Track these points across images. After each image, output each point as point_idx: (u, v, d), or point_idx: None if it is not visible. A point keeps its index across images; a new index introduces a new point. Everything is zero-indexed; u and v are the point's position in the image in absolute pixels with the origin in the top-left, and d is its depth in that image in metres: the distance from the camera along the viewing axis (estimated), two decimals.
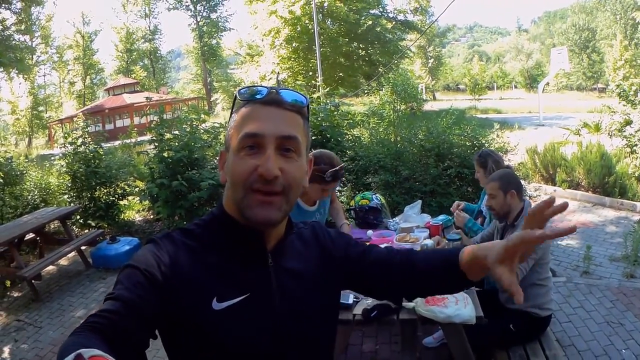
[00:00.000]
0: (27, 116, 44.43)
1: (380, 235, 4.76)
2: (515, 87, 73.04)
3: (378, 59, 30.39)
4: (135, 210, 10.68)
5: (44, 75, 53.20)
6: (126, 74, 52.23)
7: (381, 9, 32.23)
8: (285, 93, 1.38)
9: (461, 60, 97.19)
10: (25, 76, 40.36)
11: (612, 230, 8.39)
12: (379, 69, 25.78)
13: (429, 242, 3.79)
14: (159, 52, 56.61)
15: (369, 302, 3.43)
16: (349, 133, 9.40)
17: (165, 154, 8.35)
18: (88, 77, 52.70)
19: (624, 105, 11.50)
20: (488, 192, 3.94)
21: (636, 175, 10.12)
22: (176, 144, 8.53)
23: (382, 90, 14.00)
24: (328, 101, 10.40)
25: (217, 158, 1.80)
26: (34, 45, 45.52)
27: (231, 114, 1.44)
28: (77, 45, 51.56)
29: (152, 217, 10.23)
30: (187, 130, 8.81)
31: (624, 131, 10.89)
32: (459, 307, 3.18)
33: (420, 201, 5.61)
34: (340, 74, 30.75)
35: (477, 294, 3.49)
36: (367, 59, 31.13)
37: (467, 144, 8.18)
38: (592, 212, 9.53)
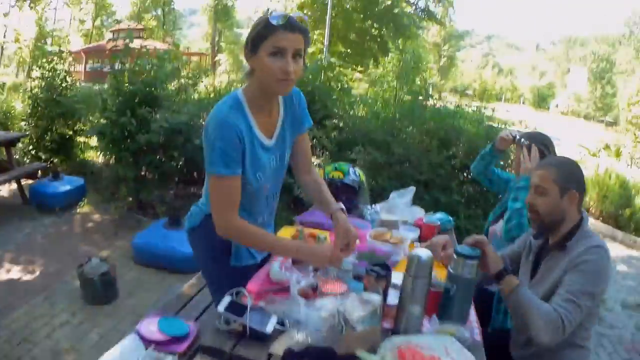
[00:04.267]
0: (30, 47, 42.94)
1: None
2: (523, 103, 72.29)
3: (391, 43, 28.95)
4: (97, 151, 9.42)
5: (55, 9, 51.38)
6: (137, 20, 51.11)
7: None
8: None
9: (474, 67, 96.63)
10: (32, 4, 39.02)
11: (623, 270, 7.77)
12: (390, 52, 24.29)
13: (422, 252, 2.23)
14: (173, 2, 54.50)
15: (300, 337, 2.03)
16: (339, 99, 7.88)
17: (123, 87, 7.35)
18: (99, 17, 51.73)
19: None
20: (535, 182, 2.62)
21: None
22: (136, 74, 7.55)
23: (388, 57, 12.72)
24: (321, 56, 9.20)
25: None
26: None
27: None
28: None
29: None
30: (153, 62, 7.74)
31: None
32: None
33: (413, 188, 4.12)
34: (349, 51, 29.37)
35: (483, 337, 2.34)
36: (379, 39, 29.54)
37: (481, 132, 6.78)
38: None
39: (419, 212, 3.84)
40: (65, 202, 7.52)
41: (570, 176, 2.59)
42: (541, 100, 65.03)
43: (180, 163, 7.54)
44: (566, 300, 2.25)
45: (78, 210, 7.64)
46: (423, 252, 2.18)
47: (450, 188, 6.35)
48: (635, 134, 11.50)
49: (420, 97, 7.66)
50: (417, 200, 4.20)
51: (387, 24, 28.52)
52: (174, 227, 5.82)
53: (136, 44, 7.80)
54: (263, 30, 2.13)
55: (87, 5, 50.61)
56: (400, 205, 3.85)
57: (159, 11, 53.70)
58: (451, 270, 2.33)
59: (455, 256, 2.32)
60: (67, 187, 7.66)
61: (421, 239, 3.46)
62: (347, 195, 3.82)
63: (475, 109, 7.51)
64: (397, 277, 2.40)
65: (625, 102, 43.94)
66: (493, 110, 7.40)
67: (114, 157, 7.45)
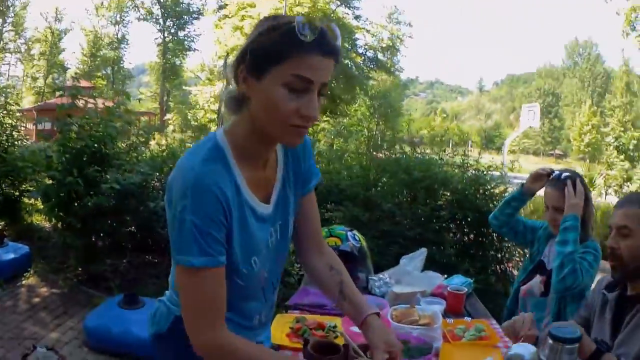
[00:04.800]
0: None
1: None
2: (471, 146, 73.42)
3: (339, 95, 28.80)
4: (43, 215, 8.89)
5: (9, 64, 51.89)
6: (87, 79, 50.90)
7: (351, 43, 30.75)
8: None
9: (419, 115, 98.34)
10: None
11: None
12: (359, 98, 24.14)
13: (523, 349, 1.70)
14: (122, 62, 55.66)
15: None
16: None
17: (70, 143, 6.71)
18: (50, 75, 51.54)
19: (621, 161, 12.02)
20: (618, 223, 2.25)
21: None
22: (85, 129, 6.91)
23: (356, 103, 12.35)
24: None
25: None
26: (3, 30, 45.27)
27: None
28: (46, 40, 50.79)
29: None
30: (101, 117, 7.14)
31: (623, 188, 10.94)
32: None
33: (424, 250, 3.57)
34: None
35: None
36: (328, 92, 29.49)
37: (467, 175, 6.43)
38: None
39: (436, 278, 3.28)
40: (10, 272, 6.80)
41: None
42: (489, 142, 66.19)
43: (133, 228, 6.99)
44: None
45: (23, 281, 6.90)
46: (524, 349, 1.73)
47: (442, 242, 5.84)
48: (618, 151, 11.78)
49: (398, 147, 7.20)
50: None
51: (336, 76, 28.42)
52: (130, 306, 5.13)
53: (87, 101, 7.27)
54: (282, 44, 1.41)
55: (40, 61, 50.88)
56: (412, 272, 3.29)
57: (109, 70, 53.88)
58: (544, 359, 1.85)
59: (550, 341, 1.80)
60: (12, 255, 6.93)
61: (448, 312, 2.92)
62: (347, 265, 3.20)
63: (459, 155, 7.08)
64: None
65: (576, 133, 45.30)
66: (479, 154, 6.93)
67: (60, 222, 6.87)
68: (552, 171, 3.18)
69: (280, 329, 2.47)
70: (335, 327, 2.42)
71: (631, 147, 12.47)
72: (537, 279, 3.04)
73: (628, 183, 11.30)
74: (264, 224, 1.69)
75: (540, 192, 3.32)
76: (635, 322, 2.12)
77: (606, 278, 2.44)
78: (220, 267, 1.52)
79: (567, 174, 3.04)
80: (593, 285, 2.59)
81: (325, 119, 9.48)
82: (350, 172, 6.99)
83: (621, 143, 12.59)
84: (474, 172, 6.46)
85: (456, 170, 6.62)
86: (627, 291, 2.27)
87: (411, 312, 2.57)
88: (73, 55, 55.64)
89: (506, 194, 6.10)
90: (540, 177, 3.21)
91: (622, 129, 13.50)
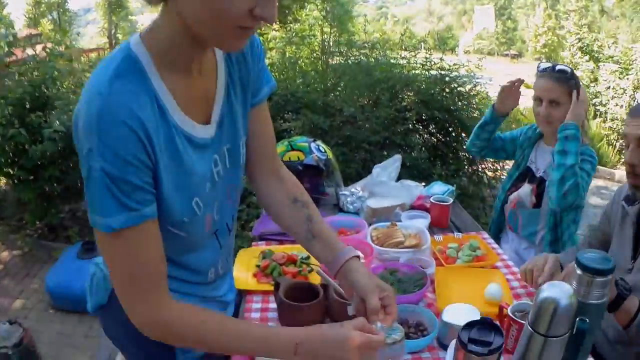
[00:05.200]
0: None
1: (333, 227, 2.28)
2: (424, 48, 74.15)
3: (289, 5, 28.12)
4: None
5: None
6: (34, 26, 50.21)
7: None
8: None
9: (369, 21, 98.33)
10: None
11: (595, 202, 7.68)
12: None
13: (557, 291, 1.30)
14: (67, 3, 52.82)
15: None
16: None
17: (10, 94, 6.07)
18: None
19: (586, 62, 11.64)
20: (638, 132, 1.86)
21: (610, 138, 9.81)
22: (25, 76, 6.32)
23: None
24: None
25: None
26: None
27: None
28: None
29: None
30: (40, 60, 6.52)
31: (590, 88, 10.68)
32: None
33: (399, 157, 3.19)
34: None
35: None
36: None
37: (433, 73, 6.03)
38: None
39: (414, 188, 2.93)
40: None
41: None
42: (442, 44, 66.77)
43: None
44: None
45: None
46: (559, 292, 1.33)
47: (410, 145, 5.50)
48: (582, 52, 11.90)
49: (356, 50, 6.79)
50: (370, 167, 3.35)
51: None
52: (89, 255, 4.69)
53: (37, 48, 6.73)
54: None
55: None
56: (387, 182, 2.90)
57: (54, 14, 52.22)
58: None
59: (579, 271, 1.45)
60: None
61: (432, 227, 2.60)
62: (313, 181, 2.90)
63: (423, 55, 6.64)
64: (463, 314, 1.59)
65: (532, 34, 45.98)
66: (443, 54, 6.58)
67: (10, 179, 6.38)
68: (522, 80, 2.91)
69: (244, 268, 2.10)
70: (308, 258, 2.06)
71: (595, 47, 12.24)
72: (527, 187, 2.73)
73: (594, 84, 11.05)
74: (205, 151, 1.31)
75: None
76: None
77: (625, 188, 2.15)
78: (148, 222, 1.15)
79: (561, 66, 2.68)
80: (612, 196, 2.29)
81: (276, 26, 8.96)
82: (306, 79, 6.55)
83: (585, 44, 12.36)
84: (437, 71, 6.10)
85: (419, 71, 6.26)
86: None
87: (394, 232, 2.24)
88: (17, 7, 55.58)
89: (473, 92, 5.81)
90: (510, 93, 2.88)
91: (579, 31, 13.35)
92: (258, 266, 2.08)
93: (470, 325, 1.39)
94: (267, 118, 1.56)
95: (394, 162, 3.09)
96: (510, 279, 2.10)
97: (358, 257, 1.48)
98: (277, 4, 1.13)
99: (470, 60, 6.80)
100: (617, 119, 10.10)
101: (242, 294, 1.94)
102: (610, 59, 11.49)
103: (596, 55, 11.87)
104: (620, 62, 11.13)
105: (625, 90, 10.54)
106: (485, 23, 22.86)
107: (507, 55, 57.13)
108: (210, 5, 1.06)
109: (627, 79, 10.66)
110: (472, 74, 6.25)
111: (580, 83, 2.67)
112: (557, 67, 2.67)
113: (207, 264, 1.49)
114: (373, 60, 6.37)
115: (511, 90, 2.86)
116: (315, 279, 1.86)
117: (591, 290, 1.45)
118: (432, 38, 72.95)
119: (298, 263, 2.08)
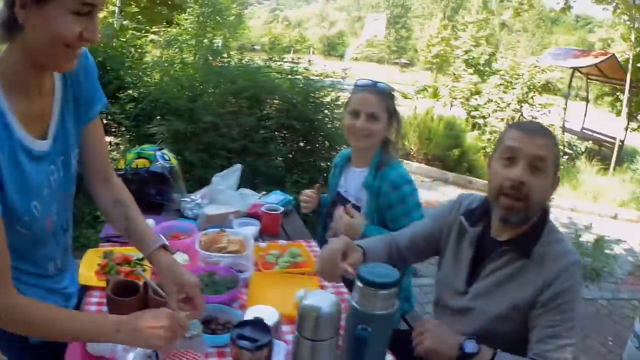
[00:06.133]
0: None
1: (168, 231, 2.55)
2: (313, 53, 74.14)
3: (190, 7, 27.76)
4: None
5: None
6: None
7: None
8: None
9: (261, 23, 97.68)
10: None
11: None
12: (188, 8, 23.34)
13: (321, 299, 1.48)
14: None
15: None
16: (135, 66, 6.97)
17: None
18: None
19: (470, 74, 12.24)
20: (534, 153, 1.77)
21: (487, 150, 9.96)
22: None
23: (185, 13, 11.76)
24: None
25: None
26: None
27: None
28: None
29: None
30: None
31: (470, 101, 11.20)
32: None
33: (239, 166, 3.33)
34: (140, 18, 28.10)
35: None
36: (169, 2, 28.32)
37: (297, 87, 6.07)
38: (435, 189, 8.96)
39: (251, 196, 3.12)
40: None
41: (559, 155, 1.92)
42: (332, 49, 67.03)
43: None
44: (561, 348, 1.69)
45: None
46: (323, 299, 1.50)
47: (269, 153, 5.60)
48: (467, 64, 12.40)
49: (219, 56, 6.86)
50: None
51: None
52: None
53: None
54: None
55: None
56: (226, 191, 3.07)
57: None
58: (357, 306, 1.59)
59: (360, 284, 1.57)
60: None
61: (263, 234, 2.76)
62: (158, 187, 3.02)
63: (290, 62, 6.79)
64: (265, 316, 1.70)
65: (425, 44, 46.91)
66: (309, 62, 6.67)
67: None
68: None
69: (88, 266, 2.25)
70: (142, 259, 2.20)
71: (482, 61, 12.81)
72: (340, 212, 2.70)
73: (476, 96, 11.55)
74: (42, 162, 1.52)
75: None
76: (499, 277, 1.88)
77: (468, 199, 2.13)
78: None
79: (382, 84, 2.71)
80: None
81: (154, 30, 9.01)
82: (177, 84, 6.51)
83: (471, 57, 12.92)
84: (303, 79, 6.23)
85: (287, 77, 6.36)
86: (490, 230, 1.97)
87: (220, 238, 2.41)
88: None
89: (339, 102, 5.93)
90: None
91: (475, 44, 13.75)
92: (99, 265, 2.23)
93: (243, 324, 1.54)
94: (99, 132, 1.80)
95: (234, 172, 3.23)
96: (328, 285, 2.22)
97: (165, 246, 1.71)
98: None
99: (346, 69, 7.02)
100: (496, 132, 10.42)
101: (85, 289, 2.08)
102: (497, 72, 12.03)
103: (482, 69, 12.40)
104: (506, 76, 11.61)
105: (510, 104, 11.01)
106: (376, 31, 23.24)
107: (397, 63, 58.19)
108: (51, 31, 1.31)
109: (512, 92, 11.13)
110: (337, 82, 6.40)
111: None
112: (378, 84, 2.70)
113: (48, 259, 1.69)
114: (239, 67, 6.47)
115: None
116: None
117: (376, 303, 1.56)
118: (321, 43, 73.63)
119: (132, 263, 2.23)
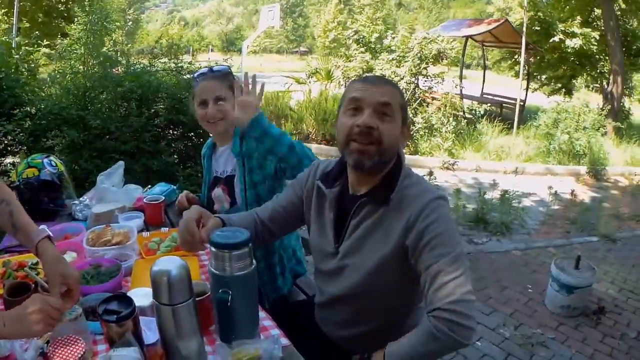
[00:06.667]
0: None
1: (59, 234, 2.66)
2: (212, 50, 73.43)
3: (78, 17, 27.06)
4: None
5: None
6: None
7: None
8: None
9: (159, 26, 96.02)
10: None
11: None
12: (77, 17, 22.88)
13: (170, 263, 1.55)
14: None
15: None
16: (29, 81, 6.86)
17: None
18: None
19: (361, 53, 12.55)
20: (380, 100, 1.81)
21: None
22: None
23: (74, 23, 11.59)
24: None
25: None
26: None
27: None
28: None
29: None
30: None
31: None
32: None
33: (122, 163, 3.49)
34: (37, 33, 27.15)
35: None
36: (66, 15, 27.64)
37: (183, 82, 6.26)
38: None
39: (135, 191, 3.26)
40: None
41: (406, 105, 1.97)
42: (230, 45, 66.36)
43: None
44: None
45: None
46: (171, 263, 1.55)
47: (159, 150, 5.76)
48: (357, 44, 12.74)
49: (108, 63, 6.91)
50: (128, 177, 3.62)
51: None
52: None
53: None
54: None
55: None
56: (111, 189, 3.23)
57: None
58: (214, 270, 1.68)
59: (213, 249, 1.67)
60: None
61: (148, 224, 2.93)
62: (50, 195, 3.14)
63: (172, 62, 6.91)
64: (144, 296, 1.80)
65: (321, 30, 46.58)
66: (193, 59, 6.82)
67: None
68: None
69: None
70: (37, 264, 2.31)
71: (373, 39, 13.14)
72: (218, 191, 2.88)
73: (369, 73, 11.67)
74: None
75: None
76: (363, 230, 1.90)
77: (322, 164, 2.17)
78: None
79: (217, 67, 2.84)
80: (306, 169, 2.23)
81: (46, 43, 8.90)
82: (69, 94, 6.55)
83: (362, 36, 13.26)
84: (189, 74, 6.40)
85: (172, 74, 6.52)
86: (348, 189, 2.00)
87: (105, 233, 2.55)
88: None
89: None
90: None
91: (371, 24, 14.13)
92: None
93: (109, 299, 1.61)
94: None
95: (117, 169, 3.38)
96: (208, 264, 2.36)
97: (49, 237, 1.79)
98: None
99: (227, 58, 7.13)
100: None
101: None
102: (388, 48, 12.32)
103: (373, 47, 12.69)
104: (396, 51, 11.96)
105: (403, 77, 11.39)
106: (271, 22, 22.95)
107: (296, 52, 58.01)
108: None
109: (404, 66, 11.47)
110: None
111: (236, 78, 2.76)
112: (215, 68, 2.81)
113: None
114: (124, 71, 6.60)
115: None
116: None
117: (232, 264, 1.63)
118: (220, 39, 72.97)
119: (27, 267, 2.31)
